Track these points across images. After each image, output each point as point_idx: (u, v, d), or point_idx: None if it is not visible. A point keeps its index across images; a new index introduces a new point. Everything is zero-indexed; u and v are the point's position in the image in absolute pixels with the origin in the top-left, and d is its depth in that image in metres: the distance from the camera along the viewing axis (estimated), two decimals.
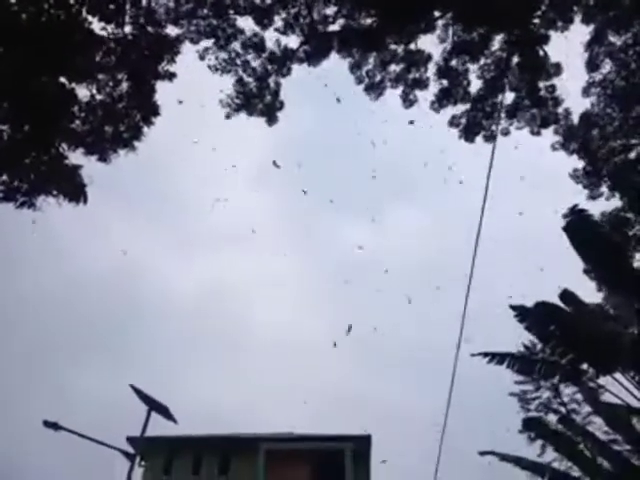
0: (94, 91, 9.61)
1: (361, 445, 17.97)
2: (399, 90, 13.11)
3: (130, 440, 16.49)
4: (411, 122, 13.92)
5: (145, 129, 10.50)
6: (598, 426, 12.28)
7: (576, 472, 12.68)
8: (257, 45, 12.02)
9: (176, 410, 13.77)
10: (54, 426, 12.05)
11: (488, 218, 8.90)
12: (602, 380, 11.12)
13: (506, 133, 12.58)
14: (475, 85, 12.57)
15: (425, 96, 12.97)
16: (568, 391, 13.26)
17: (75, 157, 9.41)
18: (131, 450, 14.14)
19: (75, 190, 9.32)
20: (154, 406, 13.31)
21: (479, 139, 12.77)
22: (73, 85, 8.91)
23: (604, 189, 14.21)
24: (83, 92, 9.35)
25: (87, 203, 9.76)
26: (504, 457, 12.89)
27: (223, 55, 11.98)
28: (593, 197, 14.27)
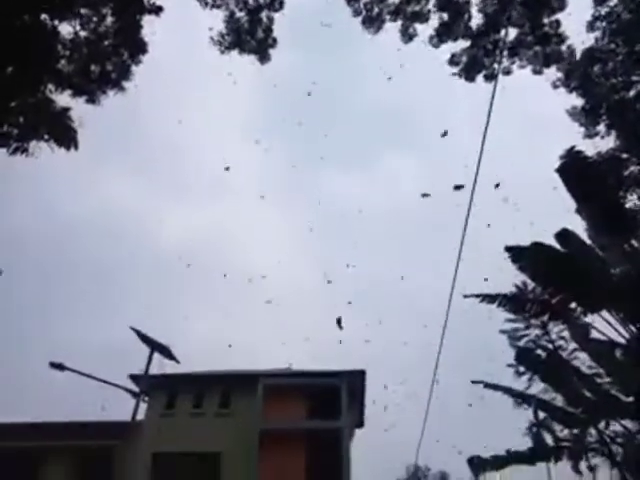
0: (78, 28, 9.11)
1: (356, 380, 18.75)
2: (398, 24, 12.57)
3: (133, 378, 17.12)
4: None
5: (134, 68, 10.08)
6: (582, 361, 12.87)
7: (560, 402, 13.41)
8: None
9: (177, 351, 14.23)
10: (60, 367, 12.44)
11: (486, 164, 8.83)
12: (589, 318, 11.53)
13: (508, 72, 12.20)
14: (476, 20, 12.07)
15: (425, 31, 12.48)
16: (556, 329, 13.76)
17: (63, 99, 9.07)
18: (135, 388, 14.71)
19: (65, 134, 9.05)
20: (156, 347, 13.72)
21: (480, 78, 12.41)
22: (55, 22, 8.42)
23: (601, 128, 14.10)
24: (66, 29, 8.87)
25: (78, 148, 9.52)
26: (495, 387, 13.62)
27: None
28: (589, 136, 14.18)
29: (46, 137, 8.74)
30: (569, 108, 14.10)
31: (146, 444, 17.31)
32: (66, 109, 8.98)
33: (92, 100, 9.71)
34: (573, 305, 11.26)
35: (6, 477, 16.96)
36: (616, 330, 10.80)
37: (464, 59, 12.48)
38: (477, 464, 13.90)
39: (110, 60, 9.77)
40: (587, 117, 13.90)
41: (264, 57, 12.38)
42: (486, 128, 8.75)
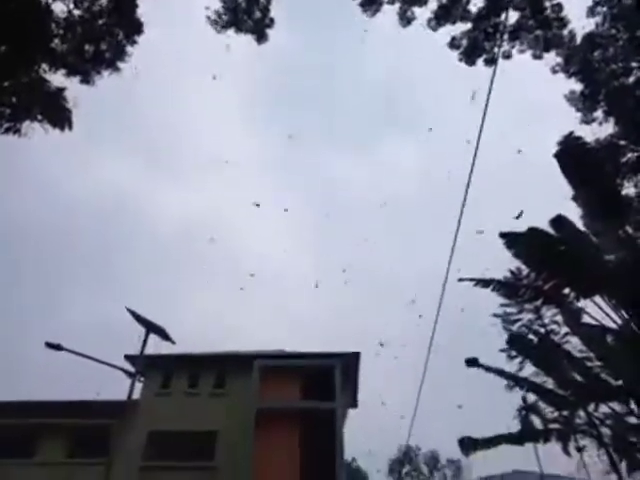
0: (72, 6, 8.91)
1: (350, 362, 18.94)
2: (396, 6, 12.38)
3: (129, 358, 17.23)
4: None
5: (129, 48, 9.90)
6: (574, 345, 13.09)
7: (550, 385, 13.66)
8: None
9: (173, 333, 14.30)
10: (57, 347, 12.47)
11: (484, 147, 8.81)
12: (582, 303, 11.65)
13: (508, 56, 12.08)
14: (476, 3, 11.89)
15: (424, 14, 12.30)
16: (549, 313, 13.97)
17: (57, 79, 8.92)
18: (130, 369, 14.80)
19: (60, 115, 8.93)
20: (151, 328, 13.77)
21: (480, 62, 12.25)
22: (49, 1, 8.24)
23: (599, 114, 14.06)
24: (60, 8, 8.68)
25: (72, 129, 9.41)
26: (488, 368, 13.85)
27: None
28: (586, 122, 14.14)
29: (40, 117, 8.62)
30: (567, 93, 14.05)
31: (142, 423, 17.51)
32: (61, 89, 8.85)
33: (86, 80, 9.55)
34: (566, 290, 11.35)
35: (6, 453, 17.24)
36: (608, 315, 10.93)
37: (464, 42, 12.33)
38: (468, 444, 14.18)
39: (105, 40, 9.59)
40: (585, 102, 13.85)
41: (261, 37, 12.18)
42: (485, 112, 8.73)
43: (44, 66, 8.53)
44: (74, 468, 16.87)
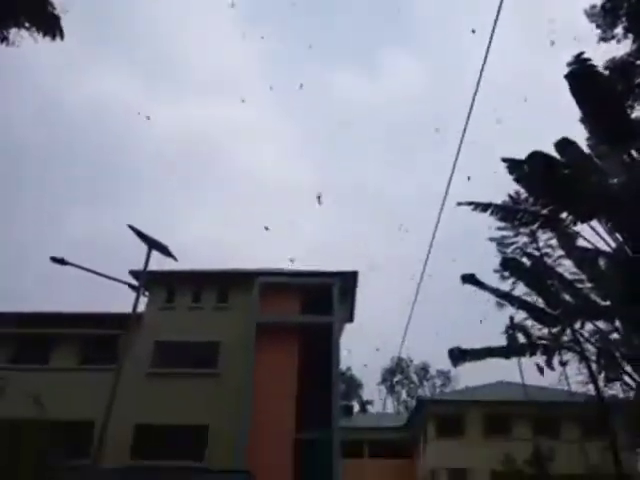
0: None
1: (348, 280, 19.49)
2: None
3: (133, 274, 17.64)
4: None
5: None
6: (567, 268, 13.40)
7: (541, 304, 14.18)
8: None
9: (176, 250, 14.47)
10: (61, 262, 12.64)
11: (491, 67, 8.44)
12: (578, 227, 11.78)
13: None
14: None
15: None
16: (544, 237, 14.16)
17: None
18: (135, 283, 15.15)
19: (48, 22, 8.45)
20: (153, 245, 13.86)
21: None
22: None
23: (619, 30, 13.36)
24: None
25: (63, 37, 8.94)
26: (483, 285, 14.32)
27: None
28: (605, 39, 13.49)
29: (27, 25, 8.16)
30: (587, 8, 13.28)
31: (148, 334, 18.29)
32: None
33: None
34: (564, 214, 11.43)
35: (23, 359, 18.34)
36: (603, 239, 11.11)
37: None
38: (457, 355, 15.00)
39: None
40: (606, 17, 13.11)
41: None
42: (494, 27, 8.27)
43: None
44: (86, 374, 17.93)
